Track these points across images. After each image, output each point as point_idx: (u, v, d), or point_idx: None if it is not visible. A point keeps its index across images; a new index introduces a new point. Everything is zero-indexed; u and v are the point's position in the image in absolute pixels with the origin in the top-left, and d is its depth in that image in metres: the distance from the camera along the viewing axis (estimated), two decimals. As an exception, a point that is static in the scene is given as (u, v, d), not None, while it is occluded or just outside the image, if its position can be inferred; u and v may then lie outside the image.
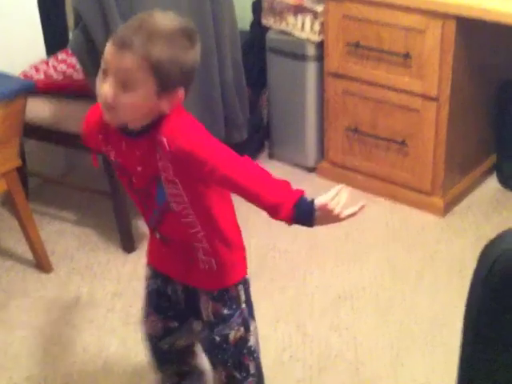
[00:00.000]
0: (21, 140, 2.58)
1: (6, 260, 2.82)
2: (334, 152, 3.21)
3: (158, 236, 1.82)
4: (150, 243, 1.91)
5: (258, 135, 3.41)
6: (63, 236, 2.95)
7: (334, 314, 2.50)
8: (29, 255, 2.76)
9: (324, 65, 3.08)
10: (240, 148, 3.14)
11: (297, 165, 3.35)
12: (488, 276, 1.20)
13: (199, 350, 2.04)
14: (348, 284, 2.64)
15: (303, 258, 2.78)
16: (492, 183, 3.18)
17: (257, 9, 3.35)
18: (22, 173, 2.78)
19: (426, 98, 2.83)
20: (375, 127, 3.02)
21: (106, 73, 1.54)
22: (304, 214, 1.63)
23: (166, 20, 1.56)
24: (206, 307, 1.85)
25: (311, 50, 3.11)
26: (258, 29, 3.33)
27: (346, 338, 2.40)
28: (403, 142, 2.95)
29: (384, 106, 2.96)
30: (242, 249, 1.85)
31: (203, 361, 2.07)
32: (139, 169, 1.66)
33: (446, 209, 2.98)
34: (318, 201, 1.65)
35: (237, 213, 2.99)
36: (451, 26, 2.67)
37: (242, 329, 1.86)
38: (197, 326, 1.92)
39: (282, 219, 1.63)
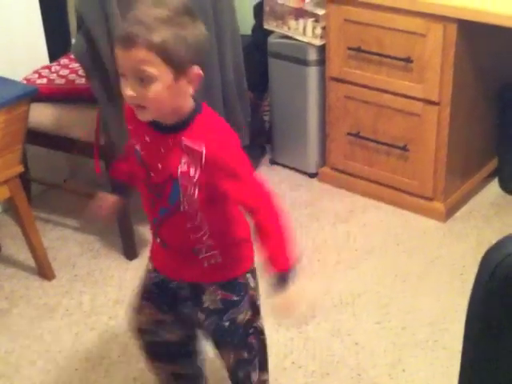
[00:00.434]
0: (23, 146, 2.59)
1: (9, 267, 2.83)
2: (335, 157, 3.21)
3: (158, 240, 1.83)
4: (152, 245, 1.92)
5: (259, 140, 3.42)
6: (65, 243, 2.95)
7: (335, 319, 2.50)
8: (31, 262, 2.76)
9: (325, 69, 3.09)
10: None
11: (298, 170, 3.35)
12: (490, 281, 1.20)
13: (193, 352, 2.03)
14: (349, 289, 2.64)
15: (304, 264, 2.78)
16: (493, 188, 3.17)
17: (258, 13, 3.35)
18: (25, 179, 2.79)
19: (427, 102, 2.83)
20: (377, 132, 3.02)
21: (123, 76, 1.58)
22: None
23: (158, 5, 1.58)
24: (214, 297, 1.85)
25: (313, 55, 3.11)
26: (260, 33, 3.33)
27: (348, 343, 2.40)
28: (405, 147, 2.95)
29: (385, 110, 2.96)
30: (250, 240, 1.85)
31: (198, 364, 2.06)
32: (160, 166, 1.68)
33: (448, 214, 2.97)
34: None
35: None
36: (452, 30, 2.67)
37: (249, 312, 1.88)
38: (201, 316, 1.90)
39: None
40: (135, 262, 2.79)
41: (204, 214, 1.72)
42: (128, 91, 1.57)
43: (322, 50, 3.08)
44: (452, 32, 2.67)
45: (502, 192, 3.14)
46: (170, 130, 1.65)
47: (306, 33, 3.08)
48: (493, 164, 3.21)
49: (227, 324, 1.87)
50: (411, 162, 2.97)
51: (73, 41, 2.67)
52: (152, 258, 1.94)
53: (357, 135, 3.08)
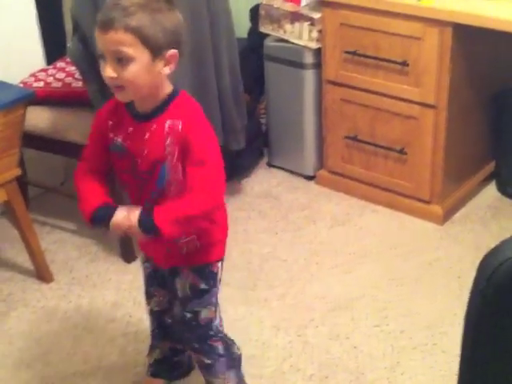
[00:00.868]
0: (20, 149, 2.59)
1: (6, 270, 2.82)
2: (332, 160, 3.21)
3: None
4: None
5: (256, 143, 3.42)
6: (63, 246, 2.95)
7: (333, 323, 2.50)
8: (29, 265, 2.76)
9: (322, 72, 3.09)
10: (239, 156, 3.18)
11: (295, 172, 3.36)
12: (486, 287, 1.20)
13: None
14: (347, 292, 2.64)
15: (301, 267, 2.78)
16: (491, 191, 3.18)
17: (254, 16, 3.36)
18: (22, 182, 2.78)
19: (423, 105, 2.83)
20: (374, 135, 3.03)
21: (102, 57, 1.66)
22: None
23: None
24: (184, 281, 1.91)
25: (309, 58, 3.11)
26: (256, 36, 3.34)
27: (347, 346, 2.40)
28: (402, 150, 2.96)
29: (382, 113, 2.97)
30: (226, 227, 1.93)
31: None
32: (145, 152, 1.75)
33: (445, 217, 2.98)
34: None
35: (237, 222, 3.03)
36: (448, 34, 2.67)
37: (212, 309, 1.94)
38: (175, 310, 1.99)
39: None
40: (133, 265, 2.79)
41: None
42: (108, 72, 1.65)
43: (318, 53, 3.08)
44: (448, 36, 2.68)
45: (499, 195, 3.14)
46: (150, 116, 1.73)
47: (302, 36, 3.08)
48: (490, 167, 3.21)
49: (189, 316, 1.94)
50: (408, 165, 2.97)
51: (69, 44, 2.67)
52: (142, 247, 2.01)
53: (354, 138, 3.08)
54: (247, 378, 2.14)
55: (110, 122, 1.80)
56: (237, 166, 3.29)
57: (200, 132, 1.72)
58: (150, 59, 1.65)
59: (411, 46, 2.78)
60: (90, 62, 2.50)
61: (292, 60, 3.16)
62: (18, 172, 2.58)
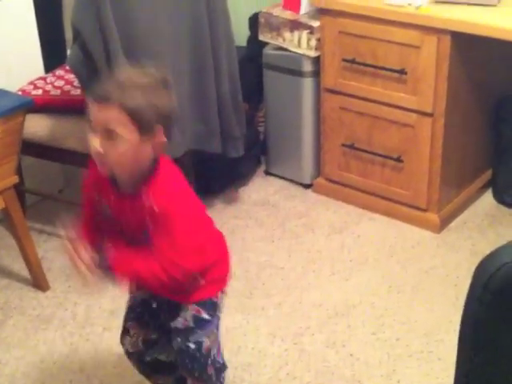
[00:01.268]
0: (18, 157, 2.59)
1: (3, 278, 2.82)
2: (330, 168, 3.22)
3: None
4: None
5: (254, 151, 3.42)
6: (60, 253, 2.94)
7: (330, 330, 2.50)
8: (25, 273, 2.76)
9: (320, 80, 3.10)
10: (237, 164, 3.19)
11: (293, 181, 3.36)
12: (483, 292, 1.20)
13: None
14: (344, 300, 2.64)
15: (299, 275, 2.79)
16: (487, 199, 3.18)
17: (253, 24, 3.37)
18: (20, 190, 2.78)
19: (421, 113, 2.84)
20: (371, 143, 3.03)
21: (93, 128, 1.66)
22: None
23: (139, 72, 1.69)
24: (186, 313, 1.89)
25: (307, 66, 3.12)
26: (255, 44, 3.34)
27: (343, 354, 2.40)
28: (399, 159, 2.96)
29: (380, 121, 2.97)
30: (225, 259, 1.94)
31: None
32: (128, 222, 1.78)
33: (442, 225, 2.98)
34: None
35: (233, 230, 3.03)
36: (446, 42, 2.68)
37: (212, 337, 1.94)
38: (175, 343, 1.95)
39: None
40: (130, 273, 2.79)
41: None
42: (96, 146, 1.64)
43: (316, 61, 3.09)
44: (446, 44, 2.69)
45: (496, 203, 3.15)
46: (131, 192, 1.74)
47: (300, 44, 3.09)
48: (487, 175, 3.22)
49: (193, 347, 1.91)
50: (405, 173, 2.98)
51: (68, 52, 2.67)
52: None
53: (351, 146, 3.09)
54: (244, 386, 2.15)
55: (97, 188, 1.81)
56: (234, 174, 3.30)
57: (177, 215, 1.71)
58: (139, 142, 1.65)
59: (409, 54, 2.78)
60: (89, 70, 2.51)
61: (291, 68, 3.16)
62: (15, 179, 2.58)
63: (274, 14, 3.15)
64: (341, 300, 2.64)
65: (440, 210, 2.98)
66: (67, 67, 2.92)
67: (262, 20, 3.20)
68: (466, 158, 3.06)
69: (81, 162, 2.73)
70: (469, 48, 2.77)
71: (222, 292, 1.95)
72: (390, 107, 2.91)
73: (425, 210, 2.99)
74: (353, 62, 2.94)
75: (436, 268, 2.78)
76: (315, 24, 3.03)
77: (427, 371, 2.32)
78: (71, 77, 2.90)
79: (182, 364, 1.96)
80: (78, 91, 2.80)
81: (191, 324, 1.90)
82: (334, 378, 2.31)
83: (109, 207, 1.79)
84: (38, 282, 2.73)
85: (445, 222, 3.00)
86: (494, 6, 2.66)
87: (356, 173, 3.14)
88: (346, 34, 2.93)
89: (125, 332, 2.04)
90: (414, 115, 2.86)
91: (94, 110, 1.64)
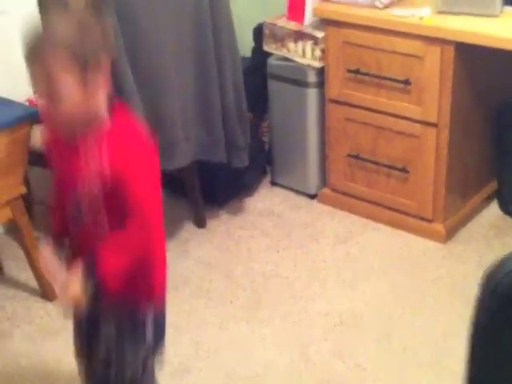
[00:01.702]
0: (25, 167, 2.60)
1: (10, 288, 2.83)
2: (335, 178, 3.22)
3: None
4: None
5: (259, 161, 3.43)
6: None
7: (336, 340, 2.50)
8: (33, 283, 2.77)
9: (325, 91, 3.11)
10: (242, 174, 3.20)
11: (298, 191, 3.37)
12: (491, 299, 1.20)
13: None
14: (350, 310, 2.64)
15: (304, 284, 2.79)
16: (493, 209, 3.18)
17: (258, 35, 3.38)
18: (27, 200, 2.79)
19: (425, 124, 2.85)
20: (376, 154, 3.04)
21: (38, 92, 1.64)
22: None
23: (62, 11, 1.66)
24: (107, 332, 1.73)
25: (312, 77, 3.13)
26: (260, 55, 3.36)
27: (350, 364, 2.40)
28: (404, 169, 2.97)
29: (385, 132, 2.98)
30: (163, 276, 1.77)
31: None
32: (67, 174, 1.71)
33: (448, 235, 2.98)
34: None
35: (239, 240, 3.03)
36: (450, 52, 2.69)
37: (138, 369, 1.76)
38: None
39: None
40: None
41: None
42: (43, 100, 1.61)
43: (321, 71, 3.10)
44: (450, 54, 2.70)
45: (502, 213, 3.15)
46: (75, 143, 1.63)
47: (305, 55, 3.10)
48: (492, 185, 3.22)
49: (114, 376, 1.75)
50: (410, 183, 2.98)
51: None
52: None
53: (356, 157, 3.10)
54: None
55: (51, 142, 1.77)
56: (239, 185, 3.30)
57: (134, 181, 1.57)
58: (79, 75, 1.55)
59: (413, 65, 2.79)
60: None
61: (295, 79, 3.18)
62: (23, 190, 2.59)
63: (279, 24, 3.16)
64: (346, 310, 2.64)
65: (445, 221, 2.98)
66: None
67: (266, 31, 3.22)
68: (471, 167, 3.06)
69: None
70: (473, 58, 2.78)
71: (153, 311, 1.75)
72: (394, 117, 2.92)
73: (430, 221, 2.99)
74: (357, 72, 2.95)
75: (442, 278, 2.78)
76: (319, 34, 3.04)
77: (434, 381, 2.32)
78: (77, 87, 2.91)
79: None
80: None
81: (113, 347, 1.74)
82: (340, 387, 2.32)
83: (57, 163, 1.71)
84: (46, 292, 2.73)
85: (450, 233, 3.00)
86: (497, 16, 2.67)
87: (361, 183, 3.14)
88: (350, 45, 2.94)
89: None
90: (419, 125, 2.87)
91: (30, 73, 1.60)
